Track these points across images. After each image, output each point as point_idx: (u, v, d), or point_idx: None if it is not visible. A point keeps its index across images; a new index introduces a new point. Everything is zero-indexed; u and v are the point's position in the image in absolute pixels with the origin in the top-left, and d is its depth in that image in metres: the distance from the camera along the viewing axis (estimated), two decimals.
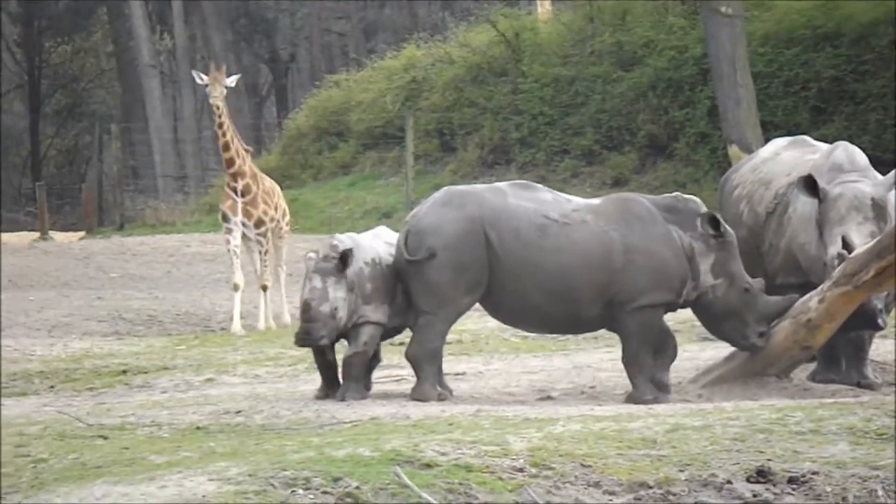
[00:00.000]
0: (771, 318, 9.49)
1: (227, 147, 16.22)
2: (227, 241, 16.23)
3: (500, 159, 27.89)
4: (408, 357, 9.71)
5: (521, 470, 6.56)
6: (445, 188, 10.00)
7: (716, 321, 9.60)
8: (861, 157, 9.99)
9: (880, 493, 5.96)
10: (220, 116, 16.16)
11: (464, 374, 10.92)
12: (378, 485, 6.41)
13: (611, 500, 6.24)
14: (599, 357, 11.60)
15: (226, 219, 16.22)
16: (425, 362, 9.55)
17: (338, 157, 29.95)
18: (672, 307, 9.60)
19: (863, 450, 6.60)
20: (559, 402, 9.61)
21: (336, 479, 6.44)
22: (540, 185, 9.94)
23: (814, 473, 6.22)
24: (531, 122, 27.57)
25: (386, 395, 9.82)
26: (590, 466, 6.58)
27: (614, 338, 12.54)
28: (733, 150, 23.03)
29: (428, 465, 6.67)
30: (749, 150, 20.76)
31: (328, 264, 9.42)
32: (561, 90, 27.52)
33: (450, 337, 13.45)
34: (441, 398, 9.49)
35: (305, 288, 9.43)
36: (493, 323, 11.51)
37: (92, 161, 39.46)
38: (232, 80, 16.40)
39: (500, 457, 6.72)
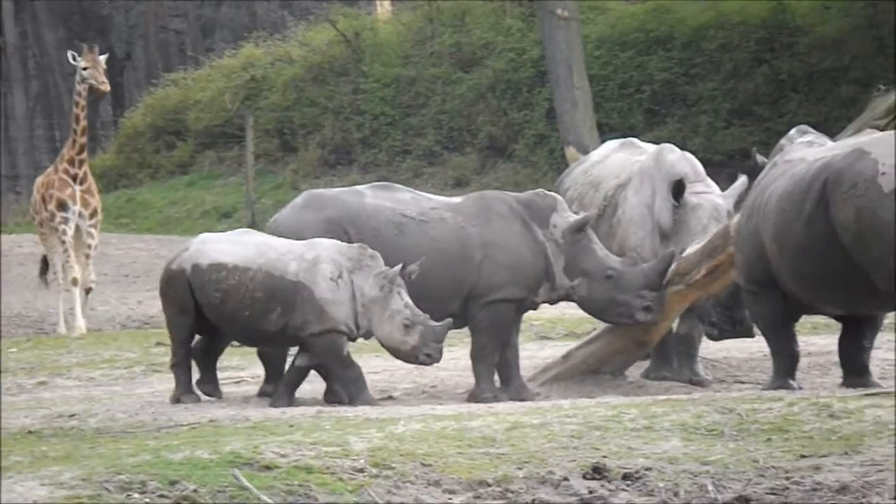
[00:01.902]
0: (654, 285, 9.49)
1: (84, 131, 15.50)
2: (63, 233, 15.12)
3: (341, 159, 27.84)
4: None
5: (361, 470, 6.56)
6: (306, 192, 10.04)
7: (598, 315, 9.73)
8: (699, 166, 10.25)
9: (710, 487, 6.12)
10: (84, 99, 15.53)
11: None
12: (216, 487, 6.34)
13: (450, 498, 6.28)
14: None
15: (63, 207, 15.18)
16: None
17: (176, 156, 29.51)
18: (526, 305, 9.66)
19: (694, 445, 6.76)
20: (400, 401, 9.64)
21: (173, 483, 6.35)
22: (400, 186, 10.03)
23: (647, 469, 6.35)
24: (373, 123, 27.59)
25: (226, 397, 9.71)
26: (430, 465, 6.61)
27: (455, 336, 12.65)
28: (570, 151, 23.39)
29: (267, 467, 6.62)
30: (586, 151, 21.09)
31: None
32: (402, 90, 27.59)
33: None
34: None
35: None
36: None
37: None
38: (103, 60, 15.73)
39: (340, 457, 6.71)
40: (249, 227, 26.82)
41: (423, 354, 9.17)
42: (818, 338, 11.32)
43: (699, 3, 26.14)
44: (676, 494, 6.10)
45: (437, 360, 9.23)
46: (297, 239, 9.48)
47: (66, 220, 15.17)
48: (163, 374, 11.34)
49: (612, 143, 11.03)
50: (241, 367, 11.66)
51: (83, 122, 15.54)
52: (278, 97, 28.69)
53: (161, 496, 6.24)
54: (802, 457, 6.54)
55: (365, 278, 9.19)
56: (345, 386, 9.31)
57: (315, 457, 6.73)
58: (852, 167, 8.53)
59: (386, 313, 9.14)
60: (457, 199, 9.90)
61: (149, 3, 41.92)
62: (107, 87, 15.65)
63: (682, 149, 10.41)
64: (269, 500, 6.25)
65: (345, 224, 9.58)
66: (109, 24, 42.56)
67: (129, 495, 6.19)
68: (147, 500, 6.19)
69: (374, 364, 11.34)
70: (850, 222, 8.43)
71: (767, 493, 6.08)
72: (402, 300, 9.12)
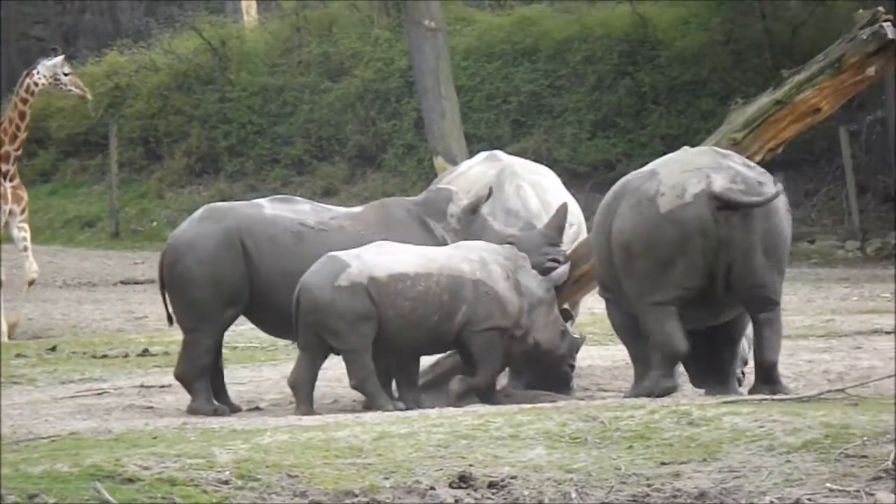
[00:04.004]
0: (554, 240, 9.67)
1: (27, 128, 15.39)
2: None
3: (208, 168, 27.57)
4: (176, 376, 9.62)
5: (226, 482, 6.50)
6: (207, 205, 9.98)
7: None
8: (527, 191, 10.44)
9: (573, 495, 6.20)
10: (32, 95, 15.42)
11: (170, 386, 10.73)
12: (77, 501, 6.23)
13: None
14: None
15: None
16: (195, 379, 9.49)
17: (37, 164, 28.89)
18: None
19: (558, 453, 6.84)
20: (267, 412, 9.57)
21: (32, 496, 6.22)
22: (301, 199, 10.02)
23: (512, 478, 6.40)
24: (240, 131, 27.38)
25: (87, 410, 9.54)
26: (296, 476, 6.58)
27: None
28: (439, 161, 23.49)
29: (130, 480, 6.52)
30: (454, 161, 21.23)
31: None
32: (269, 99, 27.43)
33: (157, 349, 13.26)
34: (218, 413, 9.38)
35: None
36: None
37: None
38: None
39: (205, 469, 6.64)
40: (113, 236, 26.45)
41: (567, 364, 9.56)
42: None
43: (564, 16, 26.52)
44: (541, 502, 6.16)
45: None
46: (195, 251, 9.44)
47: None
48: (23, 385, 11.10)
49: (479, 156, 11.14)
50: (103, 379, 11.47)
51: (27, 120, 15.41)
52: (143, 105, 28.31)
53: None
54: (663, 464, 6.66)
55: (528, 278, 9.33)
56: (481, 384, 9.29)
57: (179, 469, 6.65)
58: (641, 186, 8.97)
59: (551, 317, 9.30)
60: (358, 209, 9.94)
61: (9, 6, 41.03)
62: (90, 96, 15.91)
63: (547, 159, 10.55)
64: None
65: (242, 234, 9.53)
66: None
67: None
68: None
69: (240, 375, 11.25)
70: (624, 234, 8.90)
71: (629, 500, 6.18)
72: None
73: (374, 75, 26.81)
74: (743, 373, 9.36)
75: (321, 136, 26.94)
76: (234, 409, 9.60)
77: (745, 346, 9.50)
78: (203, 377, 9.51)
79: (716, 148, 9.22)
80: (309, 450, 7.06)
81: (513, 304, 9.25)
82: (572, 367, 9.63)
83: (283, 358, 12.51)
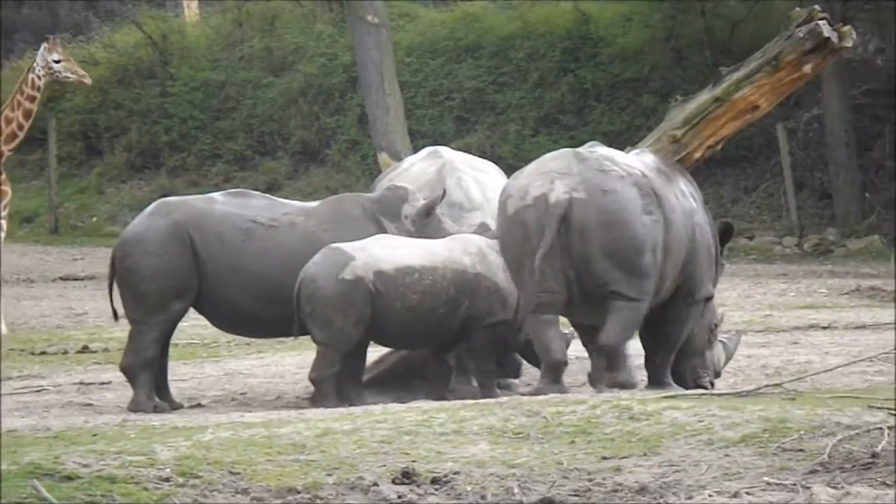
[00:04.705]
0: None
1: (29, 129, 14.38)
2: None
3: (148, 163, 27.36)
4: (121, 368, 9.57)
5: (167, 480, 6.47)
6: (160, 199, 9.99)
7: None
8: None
9: (516, 490, 6.23)
10: (38, 90, 14.23)
11: (110, 383, 10.66)
12: (15, 499, 6.17)
13: None
14: (251, 363, 11.57)
15: None
16: (139, 372, 9.45)
17: None
18: None
19: (501, 449, 6.87)
20: (209, 409, 9.53)
21: None
22: (257, 193, 10.01)
23: (455, 473, 6.42)
24: (181, 126, 27.19)
25: (26, 407, 9.46)
26: (238, 473, 6.55)
27: (266, 343, 12.57)
28: (383, 157, 23.48)
29: (69, 478, 6.47)
30: (398, 157, 21.22)
31: None
32: (211, 94, 27.27)
33: (96, 346, 13.15)
34: (158, 409, 9.34)
35: None
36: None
37: None
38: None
39: (145, 467, 6.60)
40: (52, 231, 26.19)
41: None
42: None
43: (506, 13, 26.57)
44: (483, 497, 6.19)
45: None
46: (143, 244, 9.47)
47: None
48: None
49: (422, 152, 11.15)
50: (42, 376, 11.37)
51: (32, 119, 14.34)
52: (82, 99, 28.04)
53: None
54: (604, 458, 6.71)
55: None
56: (481, 375, 9.32)
57: (119, 466, 6.61)
58: (508, 185, 9.22)
59: None
60: (314, 204, 9.94)
61: None
62: (89, 81, 14.56)
63: (490, 156, 10.59)
64: None
65: (190, 229, 9.54)
66: None
67: None
68: None
69: (181, 371, 11.19)
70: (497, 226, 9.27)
71: (571, 495, 6.21)
72: None
73: (317, 70, 26.73)
74: (712, 383, 9.38)
75: (264, 131, 26.83)
76: (175, 407, 9.55)
77: (719, 354, 9.51)
78: (147, 370, 9.47)
79: (583, 151, 9.20)
80: (251, 447, 7.04)
81: (513, 297, 9.29)
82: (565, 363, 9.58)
83: (225, 355, 12.46)
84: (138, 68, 28.06)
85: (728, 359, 9.64)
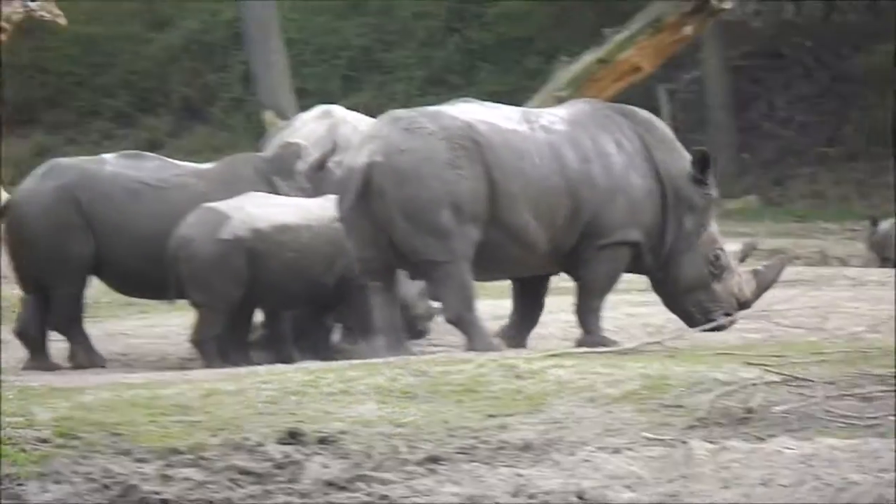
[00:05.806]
0: None
1: None
2: None
3: (24, 119, 26.77)
4: (15, 332, 9.67)
5: (45, 441, 6.36)
6: (52, 161, 9.93)
7: None
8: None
9: (403, 448, 6.26)
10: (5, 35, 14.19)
11: None
12: None
13: (141, 467, 6.17)
14: (133, 324, 11.44)
15: None
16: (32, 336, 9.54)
17: None
18: None
19: (388, 408, 6.88)
20: (89, 370, 9.41)
21: None
22: (152, 155, 9.98)
23: (342, 433, 6.42)
24: (58, 82, 26.63)
25: None
26: (120, 435, 6.47)
27: (151, 304, 12.41)
28: (268, 115, 23.25)
29: None
30: (284, 116, 21.01)
31: None
32: (89, 49, 26.74)
33: None
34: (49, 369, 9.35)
35: None
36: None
37: None
38: None
39: (23, 428, 6.49)
40: None
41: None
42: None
43: None
44: (370, 457, 6.20)
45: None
46: (31, 206, 9.48)
47: None
48: None
49: (315, 111, 11.08)
50: None
51: None
52: None
53: None
54: (490, 416, 6.76)
55: None
56: (364, 334, 9.21)
57: None
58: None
59: None
60: (208, 165, 9.90)
61: None
62: (64, 21, 14.39)
63: (378, 115, 10.52)
64: None
65: (77, 191, 9.54)
66: None
67: None
68: None
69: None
70: None
71: (457, 453, 6.26)
72: None
73: (199, 26, 26.35)
74: (729, 315, 9.05)
75: (144, 87, 26.39)
76: (52, 367, 9.46)
77: (741, 285, 9.16)
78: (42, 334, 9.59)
79: (404, 112, 9.19)
80: (134, 407, 6.96)
81: None
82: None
83: (107, 315, 12.28)
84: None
85: (765, 287, 9.26)
